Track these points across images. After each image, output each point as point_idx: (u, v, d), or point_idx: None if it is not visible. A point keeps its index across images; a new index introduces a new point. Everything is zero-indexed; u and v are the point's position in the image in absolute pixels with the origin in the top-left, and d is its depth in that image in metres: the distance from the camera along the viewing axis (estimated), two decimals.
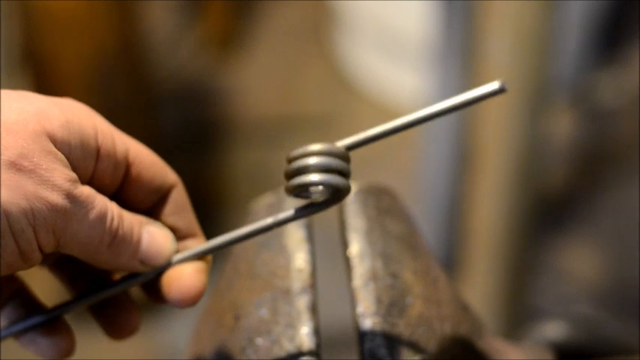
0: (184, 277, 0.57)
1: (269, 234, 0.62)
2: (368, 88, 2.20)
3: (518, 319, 1.48)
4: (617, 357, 0.84)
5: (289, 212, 0.55)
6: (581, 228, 1.78)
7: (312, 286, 0.59)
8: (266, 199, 0.64)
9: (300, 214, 0.55)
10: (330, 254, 1.07)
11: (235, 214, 1.85)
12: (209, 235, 0.59)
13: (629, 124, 1.96)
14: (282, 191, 0.64)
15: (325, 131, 2.06)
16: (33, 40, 1.64)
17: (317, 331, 0.58)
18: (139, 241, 0.56)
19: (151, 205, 0.58)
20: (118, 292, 0.58)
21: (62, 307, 0.58)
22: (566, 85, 1.98)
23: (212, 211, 1.88)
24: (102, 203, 0.53)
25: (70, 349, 0.57)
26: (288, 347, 0.57)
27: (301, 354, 0.56)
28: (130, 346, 1.65)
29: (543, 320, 0.88)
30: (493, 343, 0.64)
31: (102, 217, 0.53)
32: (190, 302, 0.57)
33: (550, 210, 1.78)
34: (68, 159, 0.52)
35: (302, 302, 0.58)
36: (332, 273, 1.01)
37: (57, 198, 0.50)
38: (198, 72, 2.26)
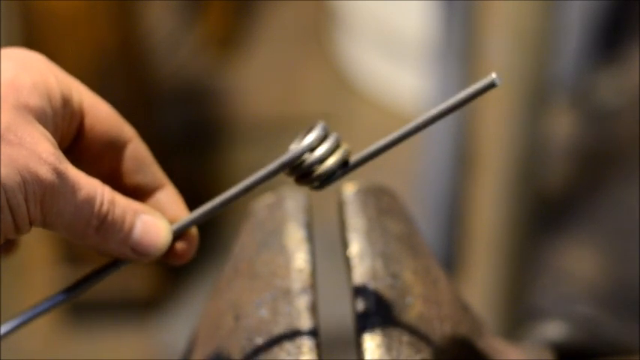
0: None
1: (269, 234, 0.62)
2: (368, 88, 2.20)
3: (518, 319, 1.47)
4: (617, 357, 0.84)
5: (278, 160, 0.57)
6: (581, 228, 1.78)
7: (312, 286, 0.59)
8: (266, 199, 0.64)
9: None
10: (330, 254, 1.07)
11: (235, 214, 1.85)
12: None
13: (629, 124, 1.96)
14: (282, 191, 0.64)
15: None
16: (33, 40, 1.64)
17: (317, 331, 0.57)
18: (130, 230, 0.55)
19: (111, 165, 0.58)
20: (113, 272, 0.58)
21: (67, 291, 0.57)
22: (566, 85, 1.98)
23: None
24: (89, 185, 0.53)
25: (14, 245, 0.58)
26: (288, 347, 0.57)
27: (301, 354, 0.56)
28: (130, 346, 1.65)
29: (543, 320, 0.88)
30: (493, 343, 0.64)
31: (90, 199, 0.53)
32: (186, 258, 0.58)
33: (550, 210, 1.77)
34: (44, 124, 0.52)
35: (302, 302, 0.58)
36: (332, 273, 1.01)
37: (45, 172, 0.50)
38: (198, 72, 2.26)
